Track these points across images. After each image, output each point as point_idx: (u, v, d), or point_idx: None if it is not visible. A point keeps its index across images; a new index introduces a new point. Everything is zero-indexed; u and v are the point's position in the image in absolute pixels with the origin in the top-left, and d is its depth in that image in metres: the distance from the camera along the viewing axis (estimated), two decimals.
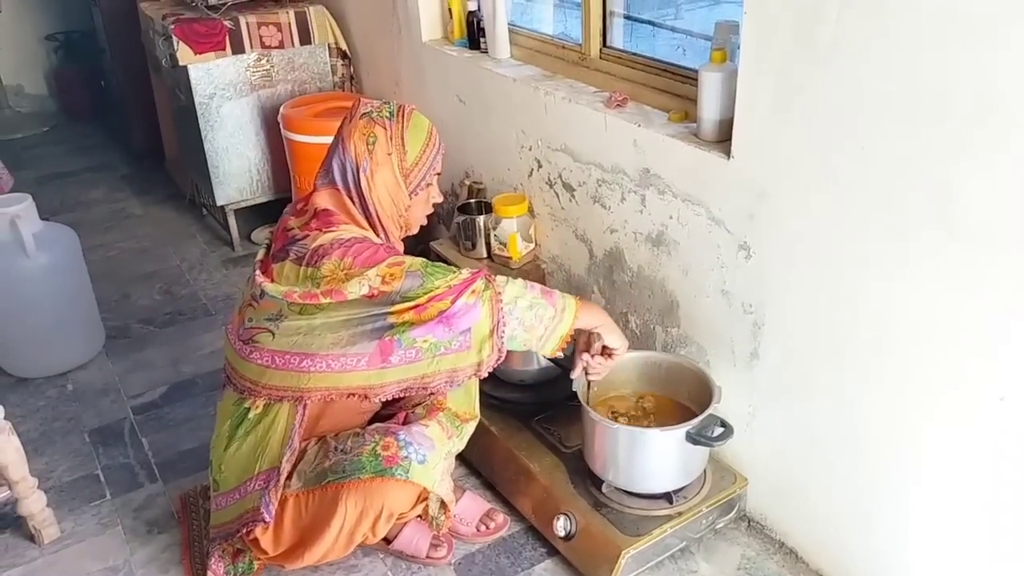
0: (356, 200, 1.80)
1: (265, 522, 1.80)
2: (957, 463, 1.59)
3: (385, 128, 1.80)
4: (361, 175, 1.79)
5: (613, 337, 1.86)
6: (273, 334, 1.75)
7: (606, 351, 1.88)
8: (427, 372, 1.71)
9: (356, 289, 1.65)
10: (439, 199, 1.96)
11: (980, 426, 1.53)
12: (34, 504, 2.13)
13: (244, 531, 1.83)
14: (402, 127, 1.82)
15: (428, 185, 1.88)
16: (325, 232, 1.73)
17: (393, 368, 1.70)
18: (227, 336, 1.90)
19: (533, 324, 1.73)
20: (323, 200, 1.80)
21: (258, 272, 1.80)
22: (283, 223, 1.84)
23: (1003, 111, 1.34)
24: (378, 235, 1.82)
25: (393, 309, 1.66)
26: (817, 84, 1.62)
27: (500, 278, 1.72)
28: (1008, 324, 1.43)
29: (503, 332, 1.70)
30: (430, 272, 1.67)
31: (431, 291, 1.65)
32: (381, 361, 1.69)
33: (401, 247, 1.92)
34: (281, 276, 1.74)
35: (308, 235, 1.73)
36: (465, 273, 1.69)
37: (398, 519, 1.94)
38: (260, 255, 1.87)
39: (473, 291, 1.66)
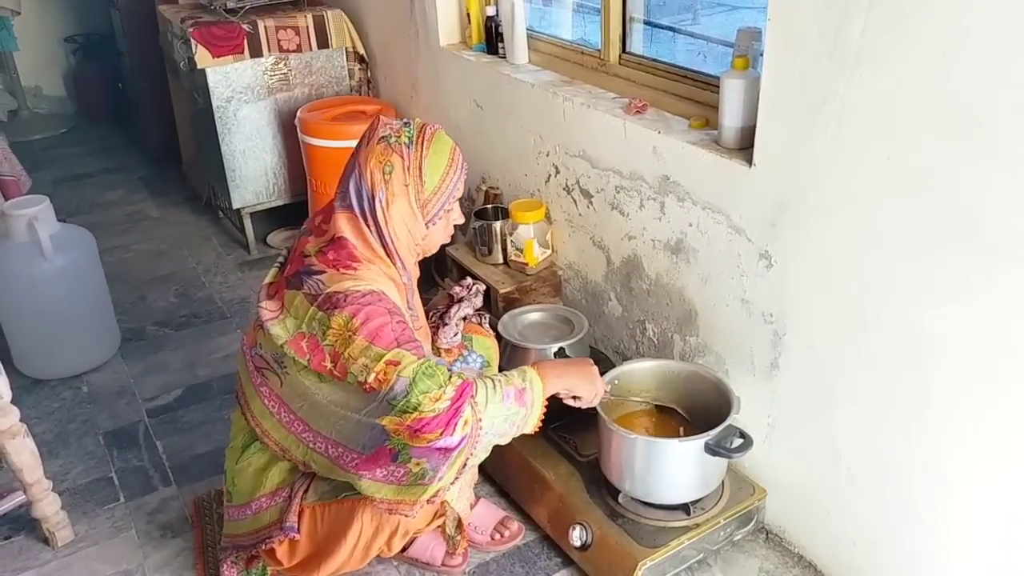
0: (372, 228, 1.74)
1: (292, 538, 1.80)
2: (982, 478, 1.56)
3: (403, 157, 1.73)
4: (377, 205, 1.72)
5: (579, 390, 1.82)
6: (281, 381, 1.75)
7: (575, 399, 1.84)
8: (401, 499, 1.63)
9: (353, 377, 1.61)
10: (460, 221, 1.90)
11: (1006, 439, 1.50)
12: (48, 507, 2.12)
13: (262, 546, 1.82)
14: (421, 155, 1.74)
15: (447, 211, 1.82)
16: (343, 274, 1.67)
17: (374, 482, 1.63)
18: (242, 349, 1.88)
19: (506, 431, 1.69)
20: (342, 226, 1.74)
21: (264, 304, 1.75)
22: (301, 244, 1.79)
23: None
24: (394, 263, 1.77)
25: (387, 421, 1.58)
26: (843, 93, 1.59)
27: (480, 395, 1.61)
28: None
29: (468, 457, 1.63)
30: (417, 382, 1.57)
31: (416, 408, 1.55)
32: (366, 469, 1.62)
33: (417, 272, 1.89)
34: (291, 306, 1.69)
35: (325, 271, 1.68)
36: (450, 391, 1.57)
37: (414, 534, 1.93)
38: (271, 276, 1.83)
39: (466, 422, 1.58)
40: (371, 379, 1.58)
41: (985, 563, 1.62)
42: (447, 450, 1.57)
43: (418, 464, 1.59)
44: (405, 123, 1.79)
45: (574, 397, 1.83)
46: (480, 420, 1.61)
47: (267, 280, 1.83)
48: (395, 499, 1.64)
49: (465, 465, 1.64)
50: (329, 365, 1.63)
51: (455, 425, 1.56)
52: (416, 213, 1.77)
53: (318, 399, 1.71)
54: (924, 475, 1.67)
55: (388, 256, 1.76)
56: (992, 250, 1.42)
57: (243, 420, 1.89)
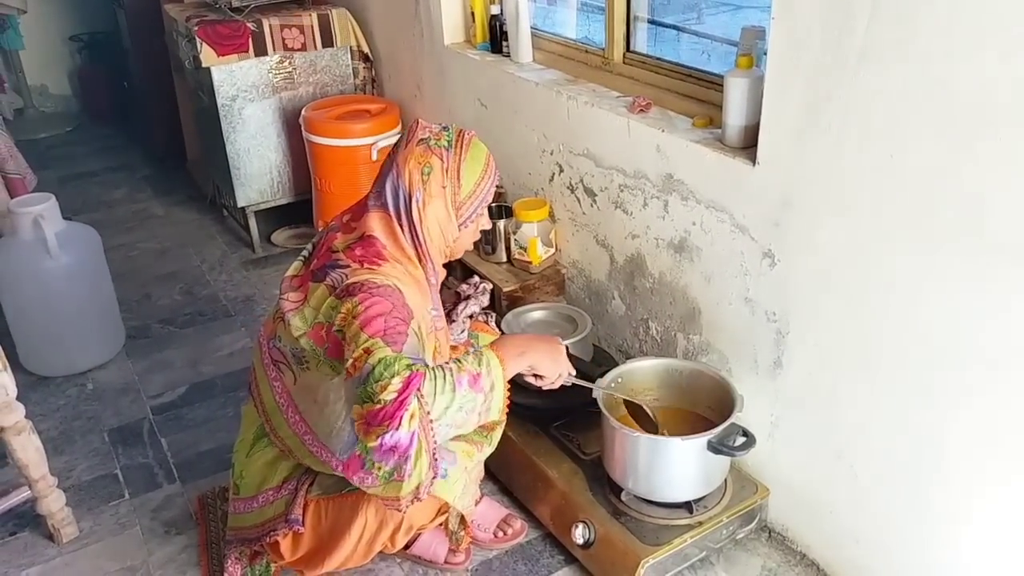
0: (406, 228, 1.75)
1: (296, 531, 1.81)
2: (986, 477, 1.56)
3: (442, 159, 1.75)
4: (413, 205, 1.74)
5: (542, 368, 1.77)
6: (295, 378, 1.76)
7: (538, 378, 1.79)
8: (386, 496, 1.59)
9: (345, 362, 1.60)
10: (487, 227, 1.91)
11: (1009, 438, 1.50)
12: (53, 503, 2.13)
13: (267, 539, 1.83)
14: (459, 159, 1.76)
15: (479, 216, 1.83)
16: (367, 268, 1.69)
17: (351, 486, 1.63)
18: (258, 342, 1.89)
19: (466, 420, 1.64)
20: (373, 224, 1.74)
21: (287, 296, 1.76)
22: (329, 240, 1.79)
23: None
24: (423, 264, 1.78)
25: (355, 412, 1.55)
26: (846, 92, 1.59)
27: (427, 385, 1.55)
28: None
29: (434, 449, 1.60)
30: (374, 371, 1.53)
31: (370, 398, 1.52)
32: (350, 471, 1.60)
33: (443, 273, 1.89)
34: (313, 297, 1.71)
35: (351, 265, 1.69)
36: (397, 382, 1.52)
37: (418, 530, 1.93)
38: (294, 269, 1.83)
39: (412, 415, 1.53)
40: (348, 364, 1.58)
41: (991, 559, 1.61)
42: (396, 448, 1.52)
43: (379, 468, 1.58)
44: (444, 127, 1.80)
45: (536, 376, 1.78)
46: (429, 413, 1.56)
47: (290, 272, 1.83)
48: (381, 495, 1.62)
49: (435, 458, 1.59)
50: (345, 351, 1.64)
51: (400, 418, 1.50)
52: (451, 215, 1.78)
53: (320, 405, 1.72)
54: (927, 473, 1.67)
55: (419, 256, 1.77)
56: (995, 248, 1.42)
57: (255, 413, 1.90)
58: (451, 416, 1.61)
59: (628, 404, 2.01)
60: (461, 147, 1.78)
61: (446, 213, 1.77)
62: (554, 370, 1.78)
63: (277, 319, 1.80)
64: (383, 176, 1.79)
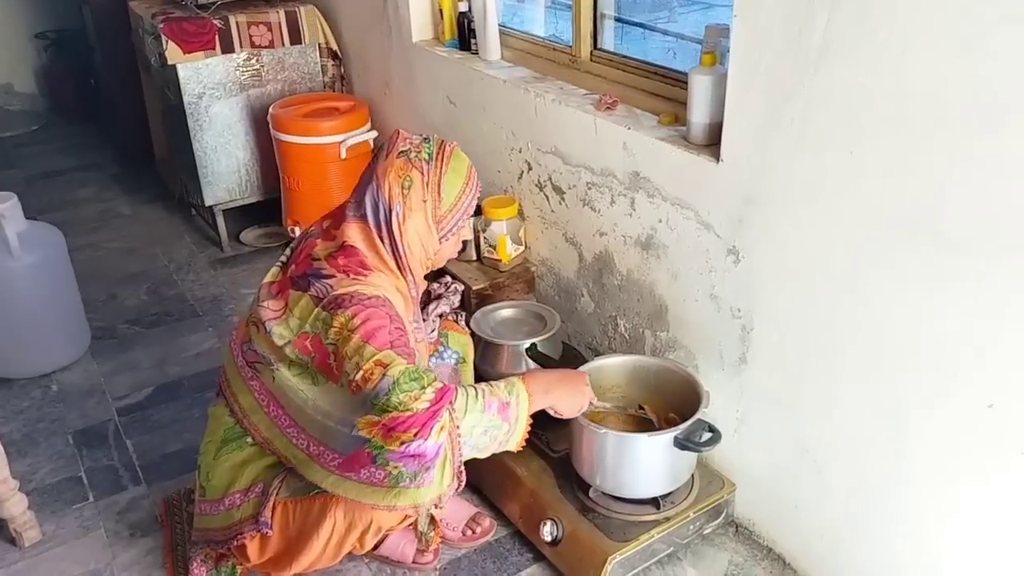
0: (386, 241, 1.74)
1: (264, 534, 1.79)
2: (947, 470, 1.58)
3: (422, 173, 1.74)
4: (393, 218, 1.72)
5: (562, 409, 1.81)
6: (274, 377, 1.75)
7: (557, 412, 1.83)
8: (382, 503, 1.62)
9: (346, 376, 1.61)
10: (469, 237, 1.92)
11: (969, 433, 1.52)
12: (15, 507, 2.10)
13: (234, 541, 1.81)
14: (440, 172, 1.75)
15: (460, 228, 1.83)
16: (353, 280, 1.67)
17: (354, 483, 1.64)
18: (230, 346, 1.87)
19: (487, 444, 1.68)
20: (353, 235, 1.73)
21: (266, 304, 1.74)
22: (308, 247, 1.77)
23: (994, 118, 1.33)
24: (404, 276, 1.77)
25: (362, 421, 1.58)
26: (807, 89, 1.61)
27: (459, 400, 1.60)
28: (996, 332, 1.42)
29: (460, 463, 1.64)
30: (400, 383, 1.56)
31: (396, 407, 1.54)
32: (349, 469, 1.64)
33: (424, 285, 1.89)
34: (296, 307, 1.69)
35: (335, 275, 1.68)
36: (430, 392, 1.56)
37: (386, 531, 1.93)
38: (271, 276, 1.80)
39: (442, 427, 1.56)
40: (358, 377, 1.58)
41: (955, 551, 1.63)
42: (421, 456, 1.55)
43: (396, 468, 1.58)
44: (425, 138, 1.79)
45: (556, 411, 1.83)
46: (458, 427, 1.60)
47: (267, 279, 1.81)
48: (387, 504, 1.63)
49: (459, 471, 1.64)
50: (332, 363, 1.64)
51: (431, 428, 1.54)
52: (432, 228, 1.77)
53: (303, 401, 1.72)
54: (890, 467, 1.69)
55: (399, 269, 1.77)
56: (954, 244, 1.44)
57: (225, 415, 1.88)
58: (476, 437, 1.65)
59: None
60: (442, 160, 1.77)
61: (426, 227, 1.77)
62: (574, 410, 1.83)
63: (251, 324, 1.78)
64: (362, 187, 1.78)
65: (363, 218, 1.75)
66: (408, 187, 1.73)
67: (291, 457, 1.78)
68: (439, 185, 1.76)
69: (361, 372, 1.58)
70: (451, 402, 1.58)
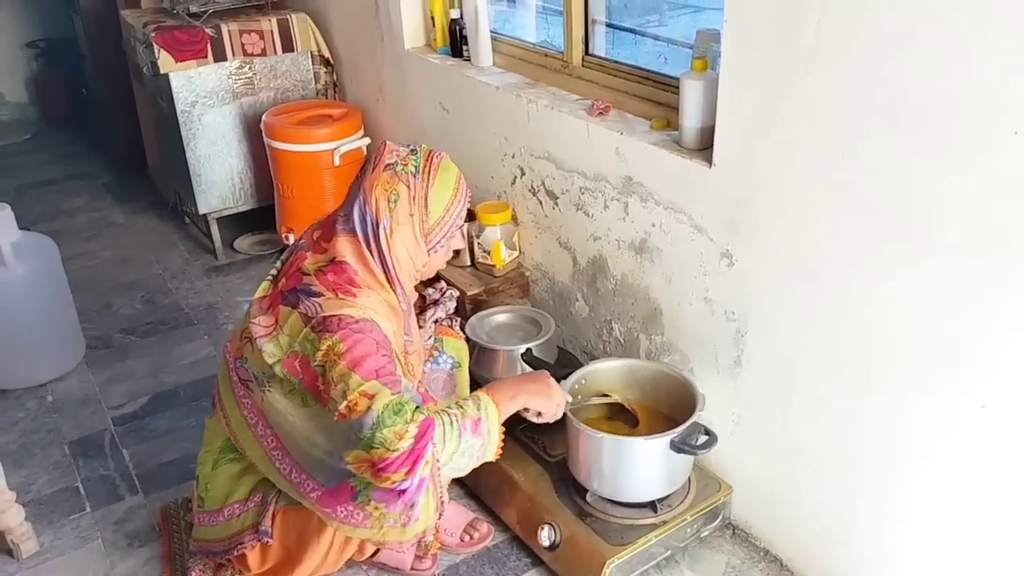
0: (375, 254, 1.73)
1: (265, 543, 1.81)
2: (941, 470, 1.60)
3: (409, 187, 1.73)
4: (380, 232, 1.72)
5: (537, 406, 1.82)
6: (263, 397, 1.75)
7: (539, 415, 1.85)
8: (372, 539, 1.69)
9: (333, 403, 1.61)
10: (460, 247, 1.91)
11: (963, 433, 1.53)
12: (12, 518, 2.10)
13: (235, 552, 1.81)
14: (427, 185, 1.74)
15: (450, 239, 1.82)
16: (342, 300, 1.67)
17: (333, 520, 1.70)
18: (224, 357, 1.87)
19: (467, 464, 1.70)
20: (343, 249, 1.72)
21: (257, 320, 1.73)
22: (298, 260, 1.76)
23: (984, 120, 1.34)
24: (394, 289, 1.76)
25: (351, 456, 1.58)
26: (798, 93, 1.62)
27: (438, 430, 1.59)
28: (987, 332, 1.44)
29: (442, 492, 1.68)
30: (384, 418, 1.55)
31: (382, 444, 1.53)
32: (328, 505, 1.68)
33: (415, 296, 1.89)
34: (286, 324, 1.69)
35: (324, 294, 1.67)
36: (413, 429, 1.55)
37: None
38: (262, 290, 1.80)
39: (426, 462, 1.56)
40: (342, 406, 1.58)
41: (951, 552, 1.65)
42: (404, 492, 1.57)
43: (376, 508, 1.60)
44: (412, 150, 1.78)
45: (537, 413, 1.84)
46: (438, 460, 1.61)
47: (258, 294, 1.80)
48: (376, 540, 1.67)
49: (441, 501, 1.67)
50: (321, 385, 1.63)
51: (417, 467, 1.55)
52: (419, 242, 1.77)
53: (291, 426, 1.72)
54: (885, 468, 1.70)
55: (389, 282, 1.76)
56: (944, 247, 1.45)
57: (219, 426, 1.88)
58: (456, 460, 1.65)
59: (609, 406, 2.08)
60: (429, 172, 1.76)
61: (414, 240, 1.76)
62: (550, 405, 1.83)
63: (244, 339, 1.78)
64: (350, 200, 1.77)
65: (352, 232, 1.74)
66: (395, 201, 1.72)
67: (275, 482, 1.79)
68: (426, 199, 1.75)
69: (346, 402, 1.57)
70: (432, 439, 1.57)
